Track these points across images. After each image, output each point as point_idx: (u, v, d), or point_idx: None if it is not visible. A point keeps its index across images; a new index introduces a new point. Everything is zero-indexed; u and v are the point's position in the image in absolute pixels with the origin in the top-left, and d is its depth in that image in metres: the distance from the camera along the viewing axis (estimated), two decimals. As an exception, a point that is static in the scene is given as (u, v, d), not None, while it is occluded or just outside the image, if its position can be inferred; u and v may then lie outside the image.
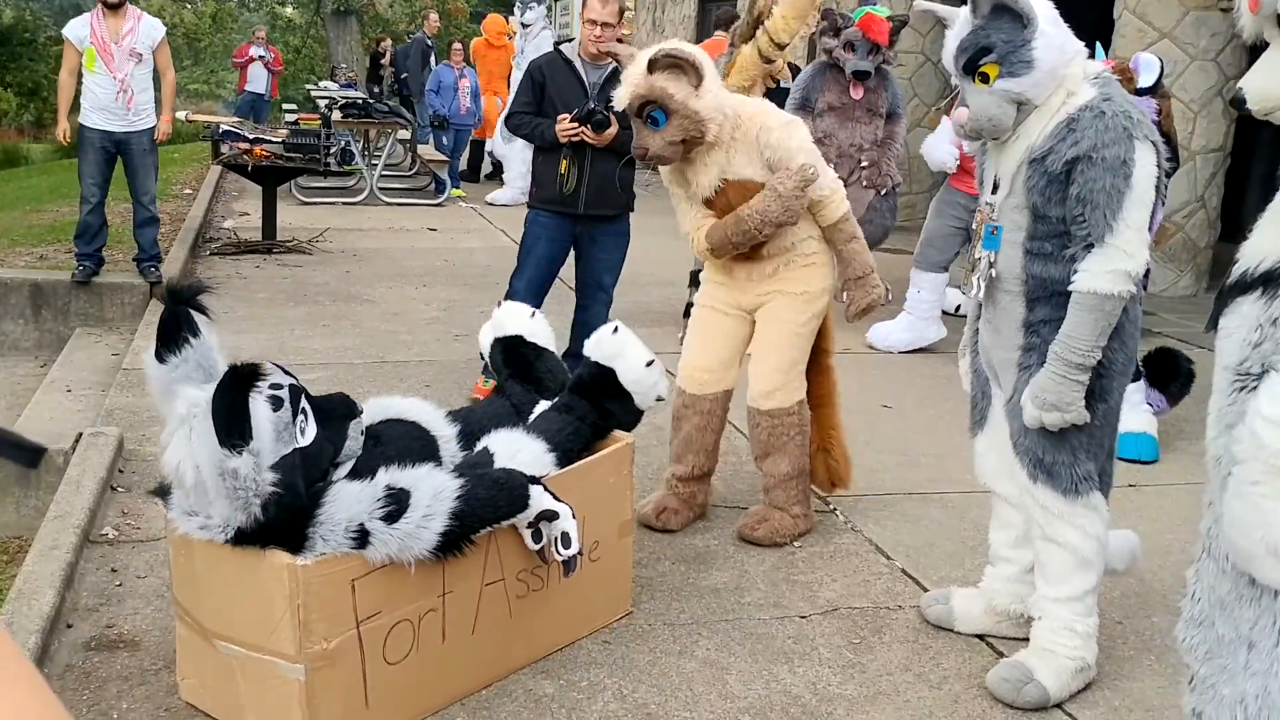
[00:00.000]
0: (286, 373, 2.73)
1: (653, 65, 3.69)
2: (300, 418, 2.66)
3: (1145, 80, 5.20)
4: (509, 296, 5.43)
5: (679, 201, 4.08)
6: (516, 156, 11.47)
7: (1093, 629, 3.21)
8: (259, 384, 2.57)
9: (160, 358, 2.74)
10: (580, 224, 5.40)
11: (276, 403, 2.61)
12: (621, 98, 3.79)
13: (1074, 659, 3.17)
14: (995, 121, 3.05)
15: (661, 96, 3.68)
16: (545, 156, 5.43)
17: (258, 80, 18.08)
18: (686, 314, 6.98)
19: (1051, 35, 3.00)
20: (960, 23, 3.12)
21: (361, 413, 2.90)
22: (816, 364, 4.18)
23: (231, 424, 2.52)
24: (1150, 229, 3.07)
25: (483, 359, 5.58)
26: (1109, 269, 2.93)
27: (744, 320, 4.09)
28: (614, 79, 4.60)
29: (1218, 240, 9.40)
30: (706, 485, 4.24)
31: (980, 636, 3.48)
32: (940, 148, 6.59)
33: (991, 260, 3.16)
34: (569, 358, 4.77)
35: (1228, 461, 2.05)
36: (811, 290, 3.97)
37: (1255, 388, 2.02)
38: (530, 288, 5.41)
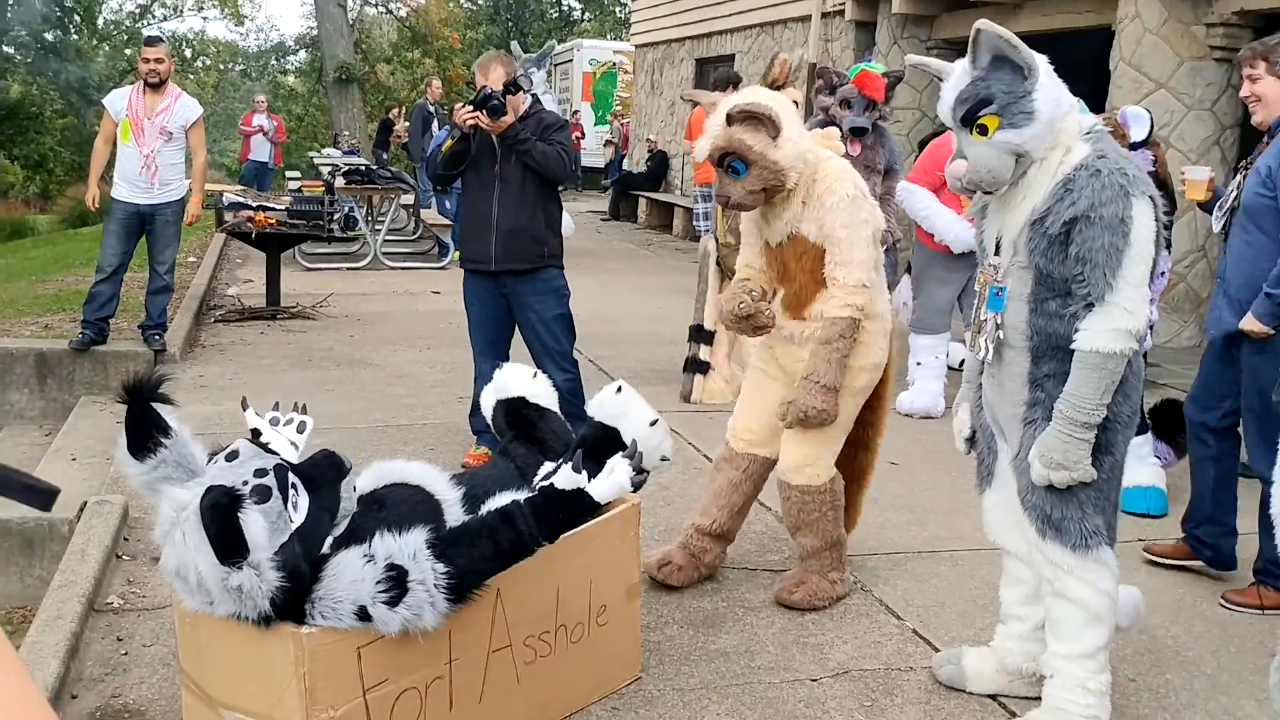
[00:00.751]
0: (268, 450, 2.70)
1: (730, 118, 3.74)
2: (291, 493, 2.64)
3: (1136, 134, 5.23)
4: (475, 365, 5.53)
5: (747, 238, 4.10)
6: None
7: (1105, 686, 3.17)
8: (243, 501, 2.54)
9: (136, 455, 2.69)
10: (501, 282, 5.35)
11: (264, 494, 2.58)
12: (701, 148, 3.83)
13: (1087, 717, 3.12)
14: (995, 174, 3.05)
15: (740, 148, 3.72)
16: (464, 214, 5.51)
17: (261, 149, 18.26)
18: (687, 369, 7.00)
19: (1048, 86, 3.02)
20: (957, 74, 3.12)
21: (350, 469, 2.86)
22: (861, 440, 4.16)
23: (227, 547, 2.50)
24: (1155, 280, 3.07)
25: (472, 429, 5.66)
26: (1110, 327, 2.93)
27: (789, 386, 3.96)
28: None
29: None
30: (721, 547, 4.19)
31: (993, 696, 3.44)
32: (958, 227, 6.47)
33: (999, 322, 3.16)
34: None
35: None
36: (855, 364, 3.86)
37: None
38: (485, 351, 5.46)
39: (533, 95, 5.48)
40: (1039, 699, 3.31)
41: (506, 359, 5.38)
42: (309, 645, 2.59)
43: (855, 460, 4.19)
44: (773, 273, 4.00)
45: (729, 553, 4.32)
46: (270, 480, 2.61)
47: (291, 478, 2.68)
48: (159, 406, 2.72)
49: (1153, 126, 5.57)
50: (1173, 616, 4.01)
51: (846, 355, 3.79)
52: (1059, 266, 2.99)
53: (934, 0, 11.70)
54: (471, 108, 5.14)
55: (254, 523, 2.54)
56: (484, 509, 3.19)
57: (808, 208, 3.80)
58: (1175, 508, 5.17)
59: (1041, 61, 3.05)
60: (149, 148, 7.23)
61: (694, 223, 10.39)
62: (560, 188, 5.57)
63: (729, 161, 3.76)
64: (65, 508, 4.76)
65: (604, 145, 23.40)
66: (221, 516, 2.49)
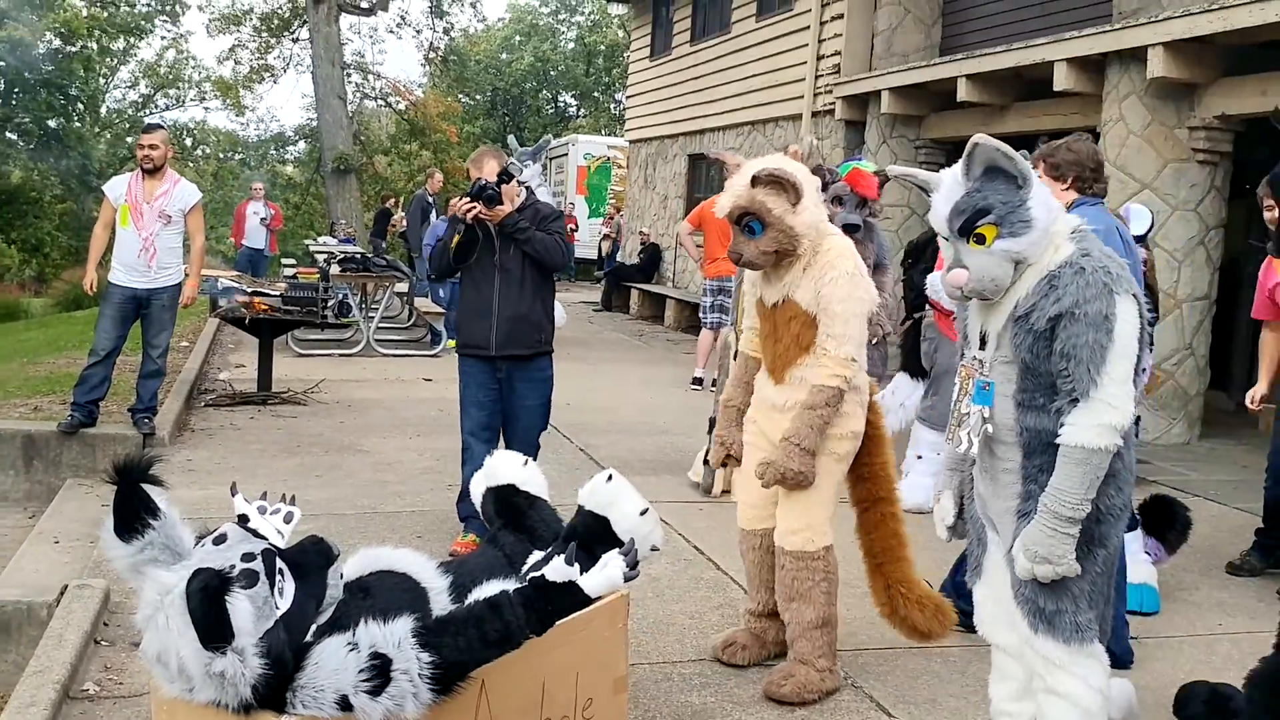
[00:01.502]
0: (257, 535, 2.68)
1: (755, 180, 3.89)
2: (278, 579, 2.61)
3: (1136, 229, 5.32)
4: (464, 447, 5.62)
5: (746, 300, 4.23)
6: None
7: None
8: (231, 586, 2.51)
9: (123, 536, 2.66)
10: (498, 366, 5.50)
11: (251, 579, 2.55)
12: (723, 206, 3.96)
13: None
14: (997, 281, 3.08)
15: (760, 209, 3.87)
16: (463, 301, 5.65)
17: (256, 236, 18.38)
18: (707, 461, 6.95)
19: (1040, 191, 3.07)
20: (948, 185, 3.15)
21: (338, 556, 2.83)
22: (875, 514, 4.15)
23: (211, 631, 2.46)
24: (1139, 375, 3.09)
25: (460, 515, 5.66)
26: (1095, 423, 2.94)
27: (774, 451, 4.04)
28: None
29: (1208, 387, 9.45)
30: (779, 622, 4.19)
31: (986, 796, 3.37)
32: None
33: (985, 415, 3.16)
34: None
35: None
36: (835, 432, 3.94)
37: None
38: (478, 434, 5.58)
39: (527, 187, 5.66)
40: None
41: (498, 443, 5.53)
42: (289, 736, 2.54)
43: (879, 538, 4.15)
44: (763, 330, 4.11)
45: (715, 650, 4.30)
46: (258, 565, 2.58)
47: (279, 563, 2.65)
48: (148, 488, 2.70)
49: (1152, 225, 5.71)
50: (1165, 715, 3.94)
51: (828, 423, 3.90)
52: (1044, 362, 3.01)
53: (922, 101, 11.92)
54: (469, 199, 5.30)
55: (240, 608, 2.50)
56: (471, 598, 3.15)
57: (807, 275, 3.93)
58: (1168, 605, 5.13)
59: (1032, 170, 3.11)
60: (147, 231, 7.28)
61: (701, 315, 10.44)
62: (556, 276, 5.66)
63: (747, 221, 3.91)
64: (45, 591, 4.70)
65: (602, 239, 23.64)
66: (208, 600, 2.45)
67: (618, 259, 21.24)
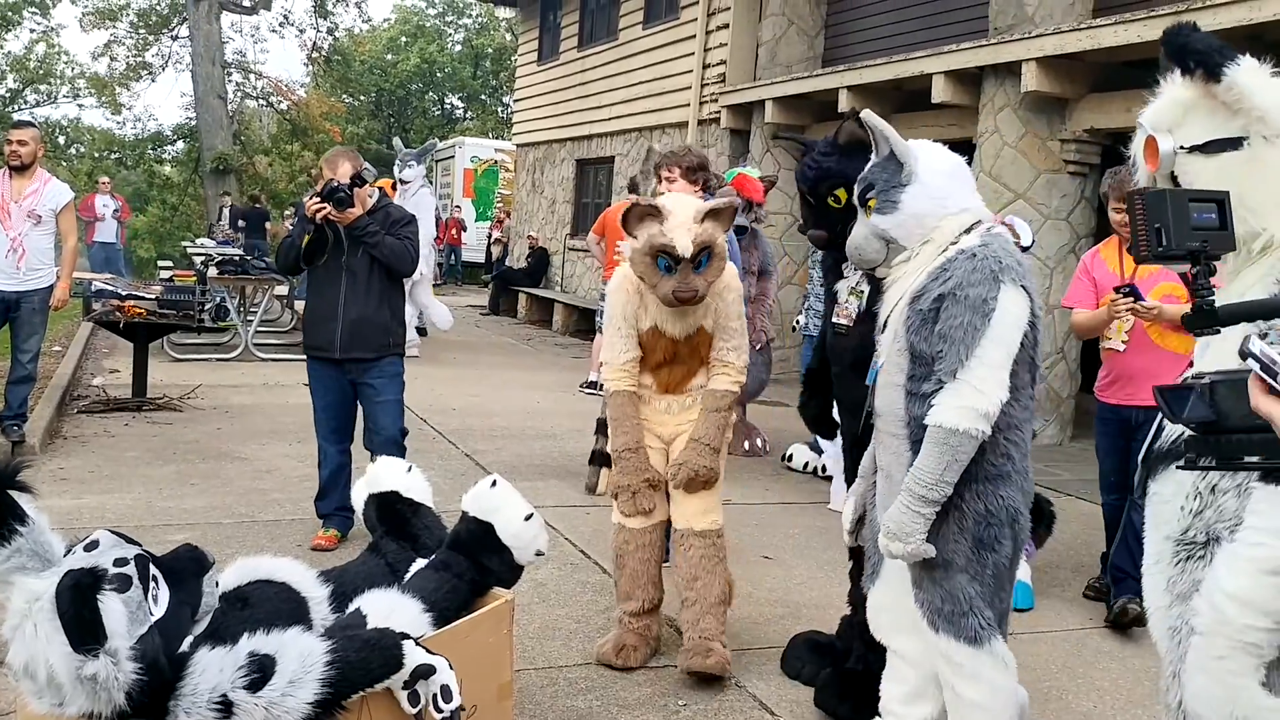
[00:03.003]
0: (129, 540, 2.61)
1: (707, 215, 4.00)
2: (152, 585, 2.55)
3: (1024, 240, 5.48)
4: (320, 451, 5.72)
5: (620, 329, 4.22)
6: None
7: None
8: (104, 585, 2.44)
9: None
10: (345, 369, 5.54)
11: (124, 583, 2.48)
12: (685, 245, 3.94)
13: None
14: (862, 251, 3.24)
15: (715, 243, 3.99)
16: (309, 303, 5.69)
17: (107, 230, 17.93)
18: (593, 461, 6.97)
19: (931, 186, 3.14)
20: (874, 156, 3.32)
21: (213, 564, 2.78)
22: None
23: (83, 631, 2.38)
24: (1035, 380, 3.10)
25: (318, 513, 5.68)
26: (959, 404, 2.95)
27: (665, 452, 4.29)
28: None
29: (1079, 390, 9.78)
30: (658, 616, 4.37)
31: (866, 792, 3.43)
32: None
33: (871, 395, 3.25)
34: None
35: (1186, 633, 2.06)
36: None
37: (1203, 556, 2.04)
38: (330, 437, 5.69)
39: (380, 190, 5.71)
40: None
41: (350, 443, 5.68)
42: (162, 750, 2.47)
43: None
44: (659, 359, 4.22)
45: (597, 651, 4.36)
46: (131, 570, 2.51)
47: (152, 569, 2.58)
48: (16, 495, 2.61)
49: (1033, 239, 5.97)
50: (1042, 707, 4.07)
51: (729, 423, 4.25)
52: (927, 344, 3.03)
53: (805, 111, 12.11)
54: (320, 200, 5.33)
55: (113, 609, 2.43)
56: (352, 607, 3.11)
57: (711, 300, 4.12)
58: (1041, 600, 5.29)
59: (944, 164, 3.21)
60: (16, 231, 7.03)
61: (597, 318, 10.45)
62: (405, 280, 5.77)
63: (700, 256, 3.97)
64: (-97, 607, 4.49)
65: (491, 243, 23.52)
66: (80, 598, 2.38)
67: (506, 263, 21.14)
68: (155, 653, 2.49)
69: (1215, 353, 2.21)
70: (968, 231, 3.13)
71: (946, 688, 3.17)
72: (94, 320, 10.01)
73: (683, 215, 3.99)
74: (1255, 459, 1.63)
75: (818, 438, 6.73)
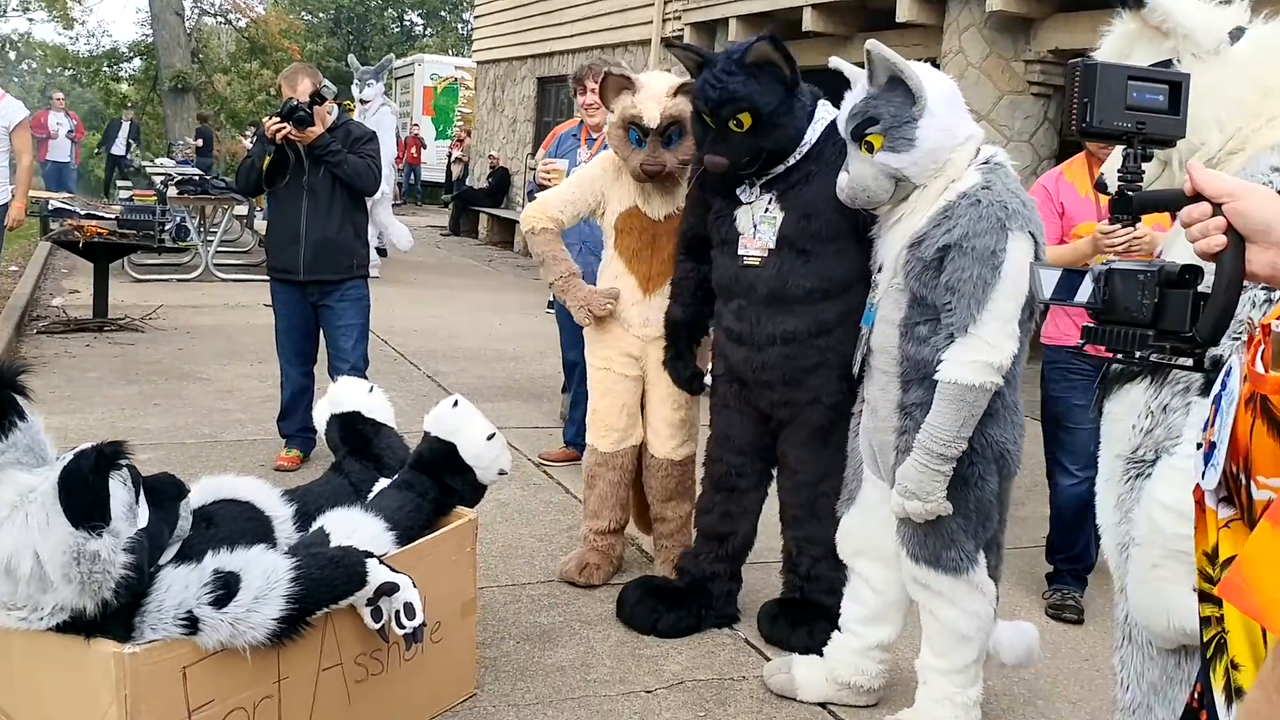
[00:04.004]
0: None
1: (678, 90, 3.94)
2: (140, 494, 2.58)
3: None
4: (282, 372, 5.72)
5: (570, 186, 4.24)
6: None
7: (974, 698, 3.24)
8: (120, 463, 2.49)
9: None
10: (309, 291, 5.52)
11: (123, 478, 2.53)
12: (653, 116, 3.91)
13: None
14: (870, 193, 3.12)
15: (684, 118, 3.90)
16: (271, 225, 5.65)
17: (60, 149, 17.61)
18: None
19: (940, 117, 3.04)
20: (858, 88, 3.18)
21: (189, 492, 2.83)
22: None
23: (94, 505, 2.42)
24: (1033, 317, 3.10)
25: (281, 433, 5.70)
26: (971, 359, 2.95)
27: (638, 376, 4.26)
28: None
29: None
30: (622, 538, 4.47)
31: (823, 705, 3.52)
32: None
33: (867, 335, 3.23)
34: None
35: (1130, 546, 2.11)
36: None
37: (1150, 474, 2.09)
38: (293, 359, 5.68)
39: (340, 106, 5.66)
40: (868, 708, 3.46)
41: (313, 365, 5.70)
42: (131, 666, 2.50)
43: None
44: (637, 244, 4.15)
45: (556, 568, 4.46)
46: (124, 475, 2.54)
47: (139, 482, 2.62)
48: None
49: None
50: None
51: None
52: (931, 292, 3.01)
53: (767, 30, 11.96)
54: (279, 119, 5.27)
55: (117, 495, 2.47)
56: (315, 526, 3.15)
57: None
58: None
59: (942, 90, 3.10)
60: None
61: None
62: (367, 198, 5.71)
63: (670, 130, 3.93)
64: None
65: (452, 162, 23.22)
66: (96, 471, 2.42)
67: (466, 182, 20.94)
68: (142, 556, 2.52)
69: (1170, 253, 2.21)
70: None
71: (924, 612, 3.24)
72: (52, 240, 9.88)
73: (655, 89, 3.99)
74: (1126, 353, 1.67)
75: None
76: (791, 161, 3.61)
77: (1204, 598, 1.45)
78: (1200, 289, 1.58)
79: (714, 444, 3.96)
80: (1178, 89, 1.99)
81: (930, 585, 3.17)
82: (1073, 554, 4.42)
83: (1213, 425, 1.41)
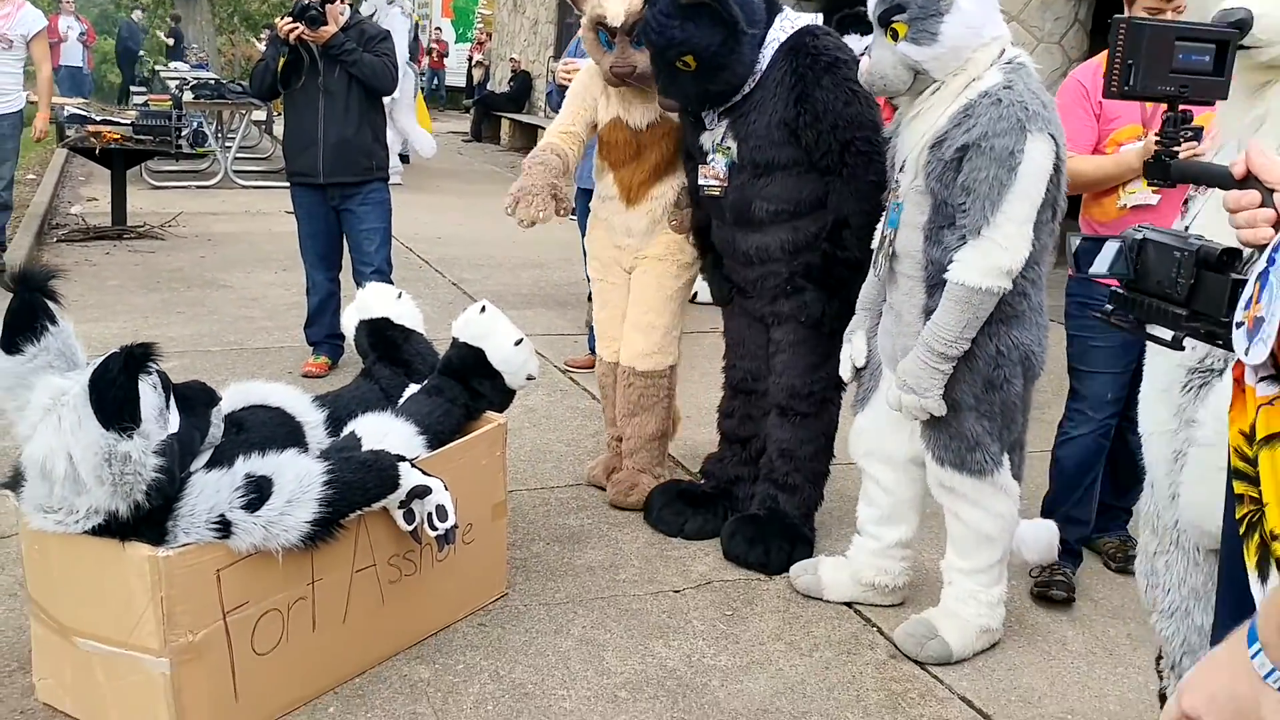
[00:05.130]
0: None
1: None
2: (171, 399, 2.59)
3: None
4: (308, 278, 5.69)
5: (568, 105, 4.10)
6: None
7: (998, 596, 3.29)
8: (150, 365, 2.50)
9: (11, 348, 2.60)
10: (329, 194, 5.48)
11: (152, 386, 2.53)
12: (616, 13, 3.79)
13: (978, 623, 3.27)
14: (887, 81, 3.05)
15: None
16: (289, 128, 5.59)
17: (73, 53, 17.44)
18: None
19: (968, 14, 2.96)
20: None
21: (220, 400, 2.83)
22: None
23: (124, 406, 2.42)
24: (1055, 219, 3.03)
25: (308, 340, 5.70)
26: (983, 262, 2.92)
27: (627, 285, 4.19)
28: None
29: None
30: None
31: (849, 604, 3.55)
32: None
33: (891, 238, 3.18)
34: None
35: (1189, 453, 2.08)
36: (684, 258, 4.06)
37: (1220, 381, 2.04)
38: (317, 264, 5.66)
39: (351, 7, 5.59)
40: (893, 608, 3.49)
41: (338, 271, 5.67)
42: (166, 569, 2.53)
43: None
44: (621, 154, 4.03)
45: (587, 472, 4.47)
46: (154, 380, 2.54)
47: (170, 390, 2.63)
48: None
49: None
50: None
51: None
52: (950, 194, 2.96)
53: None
54: (291, 19, 5.21)
55: (147, 398, 2.48)
56: (346, 431, 3.15)
57: None
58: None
59: None
60: None
61: None
62: (384, 98, 5.65)
63: (639, 31, 3.75)
64: (-101, 434, 4.53)
65: (473, 66, 22.91)
66: (126, 373, 2.42)
67: (488, 87, 20.69)
68: (173, 460, 2.53)
69: (1205, 217, 2.13)
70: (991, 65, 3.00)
71: (948, 515, 3.26)
72: (69, 146, 9.83)
73: None
74: (1159, 332, 1.62)
75: None
76: (746, 90, 3.58)
77: (1238, 475, 1.44)
78: (1236, 276, 1.51)
79: (728, 350, 4.00)
80: (1225, 48, 1.92)
81: (955, 488, 3.18)
82: (1067, 512, 3.74)
83: (1258, 301, 1.37)
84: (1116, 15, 1.95)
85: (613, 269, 4.19)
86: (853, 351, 3.44)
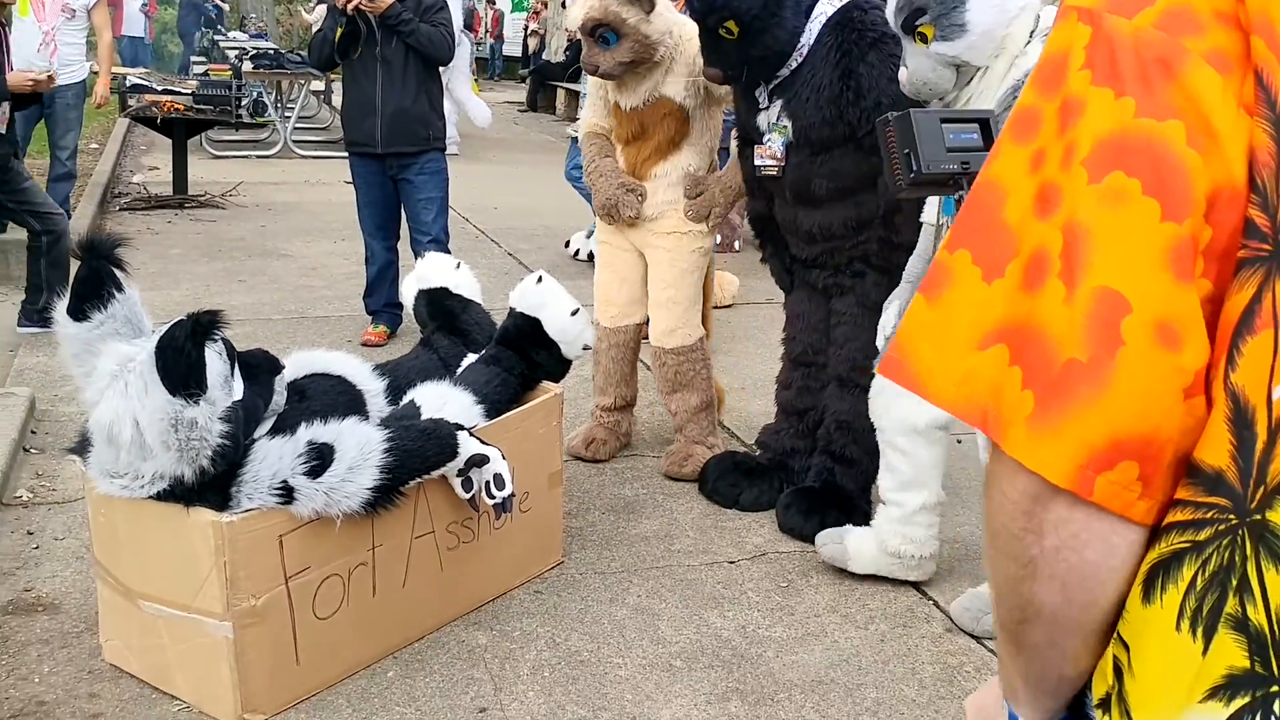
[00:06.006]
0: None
1: None
2: (235, 367, 2.63)
3: None
4: (367, 248, 5.73)
5: (593, 100, 4.23)
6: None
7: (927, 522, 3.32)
8: (216, 333, 2.53)
9: (79, 315, 2.65)
10: (387, 164, 5.50)
11: (218, 354, 2.56)
12: (574, 19, 3.88)
13: (906, 550, 3.31)
14: (931, 85, 3.01)
15: (615, 20, 3.81)
16: (346, 98, 5.61)
17: (134, 23, 17.58)
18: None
19: None
20: None
21: (284, 368, 2.87)
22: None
23: (191, 373, 2.46)
24: None
25: (367, 309, 5.75)
26: None
27: (640, 255, 4.22)
28: None
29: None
30: (630, 415, 4.47)
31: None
32: None
33: (948, 225, 3.13)
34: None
35: None
36: (695, 232, 4.09)
37: None
38: (375, 234, 5.68)
39: None
40: (916, 585, 3.47)
41: (397, 240, 5.70)
42: (229, 534, 2.57)
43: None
44: (626, 133, 4.11)
45: (648, 438, 4.53)
46: (220, 348, 2.58)
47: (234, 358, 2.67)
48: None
49: None
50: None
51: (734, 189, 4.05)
52: None
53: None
54: None
55: (213, 364, 2.52)
56: (406, 400, 3.18)
57: (675, 71, 3.96)
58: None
59: None
60: (49, 25, 6.89)
61: None
62: (440, 67, 5.66)
63: (601, 32, 3.84)
64: (-31, 399, 4.63)
65: (529, 36, 22.87)
66: (193, 339, 2.45)
67: (543, 57, 20.64)
68: (238, 426, 2.57)
69: None
70: (1030, 38, 2.93)
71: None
72: (131, 116, 9.96)
73: None
74: None
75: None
76: (794, 64, 3.55)
77: None
78: None
79: (788, 322, 3.99)
80: (986, 126, 1.94)
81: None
82: None
83: None
84: (879, 118, 1.97)
85: (618, 235, 4.22)
86: (883, 321, 3.42)
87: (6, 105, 5.43)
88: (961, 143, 1.88)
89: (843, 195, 3.59)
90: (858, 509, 3.76)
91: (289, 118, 12.25)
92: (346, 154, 5.75)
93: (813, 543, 3.67)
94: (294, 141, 11.89)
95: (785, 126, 3.60)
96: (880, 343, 3.46)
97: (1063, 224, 0.85)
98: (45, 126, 7.13)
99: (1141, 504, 0.84)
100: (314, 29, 15.47)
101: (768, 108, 3.65)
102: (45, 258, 5.56)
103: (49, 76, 5.79)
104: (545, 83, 18.57)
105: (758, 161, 3.70)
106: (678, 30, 3.94)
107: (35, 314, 5.54)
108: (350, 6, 5.20)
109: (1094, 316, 0.82)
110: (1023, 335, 0.85)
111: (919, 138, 1.86)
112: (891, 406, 3.32)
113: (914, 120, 1.87)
